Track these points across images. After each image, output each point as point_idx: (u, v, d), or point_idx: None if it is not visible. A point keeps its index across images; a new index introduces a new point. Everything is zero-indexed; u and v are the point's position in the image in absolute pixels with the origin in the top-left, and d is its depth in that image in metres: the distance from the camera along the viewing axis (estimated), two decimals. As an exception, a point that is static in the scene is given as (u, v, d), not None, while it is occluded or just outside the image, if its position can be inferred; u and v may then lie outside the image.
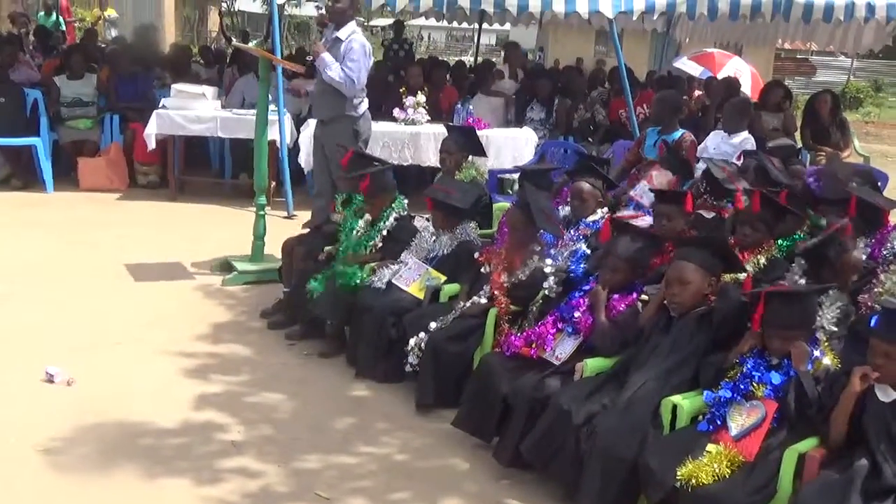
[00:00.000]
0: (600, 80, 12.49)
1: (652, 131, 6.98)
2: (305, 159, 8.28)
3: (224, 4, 22.76)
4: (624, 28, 13.98)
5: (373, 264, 5.29)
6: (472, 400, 4.30)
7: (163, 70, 11.09)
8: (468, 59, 19.15)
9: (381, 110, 8.96)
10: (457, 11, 11.75)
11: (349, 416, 4.59)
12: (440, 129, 7.57)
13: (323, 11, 8.90)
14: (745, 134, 7.22)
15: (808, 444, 3.35)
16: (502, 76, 10.53)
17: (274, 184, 8.63)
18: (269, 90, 7.00)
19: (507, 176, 8.70)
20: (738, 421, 3.47)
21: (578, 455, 3.68)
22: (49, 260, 6.84)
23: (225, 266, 6.71)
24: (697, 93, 11.53)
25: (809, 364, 3.46)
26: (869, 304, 3.92)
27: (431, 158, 8.36)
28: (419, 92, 9.12)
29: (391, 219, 5.47)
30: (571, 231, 5.12)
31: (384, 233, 5.45)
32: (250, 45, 12.40)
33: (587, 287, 4.35)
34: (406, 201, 5.60)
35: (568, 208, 5.51)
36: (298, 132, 8.81)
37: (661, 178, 5.77)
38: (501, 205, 6.13)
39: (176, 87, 9.17)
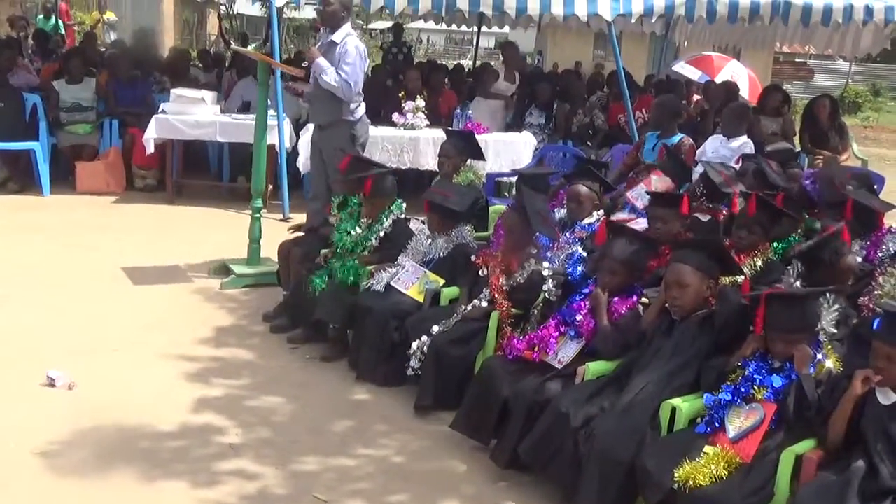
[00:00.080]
0: (599, 83, 12.51)
1: (651, 135, 7.00)
2: (304, 163, 8.29)
3: (223, 8, 22.76)
4: (622, 31, 14.04)
5: (370, 267, 5.30)
6: (472, 402, 4.30)
7: (162, 74, 11.12)
8: (467, 63, 19.18)
9: (380, 115, 8.98)
10: (455, 14, 11.79)
11: (348, 419, 4.59)
12: (439, 134, 7.59)
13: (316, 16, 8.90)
14: (743, 138, 7.25)
15: (805, 446, 3.36)
16: (497, 76, 10.53)
17: (271, 187, 8.64)
18: (269, 94, 7.00)
19: (504, 179, 8.72)
20: (737, 423, 3.48)
21: (576, 457, 3.68)
22: (46, 263, 6.84)
23: (222, 269, 6.71)
24: (696, 97, 11.55)
25: (812, 367, 3.47)
26: (869, 306, 3.94)
27: (430, 162, 8.37)
28: (418, 96, 9.14)
29: (388, 221, 5.49)
30: (567, 234, 5.14)
31: (381, 234, 5.47)
32: (249, 48, 12.43)
33: (587, 290, 4.36)
34: (404, 205, 5.61)
35: (564, 211, 5.53)
36: (298, 136, 8.83)
37: (660, 183, 5.78)
38: (497, 207, 6.15)
39: (175, 91, 9.19)
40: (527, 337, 4.32)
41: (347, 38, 6.40)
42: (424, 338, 4.72)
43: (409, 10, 9.17)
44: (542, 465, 3.85)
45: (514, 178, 7.49)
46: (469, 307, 4.80)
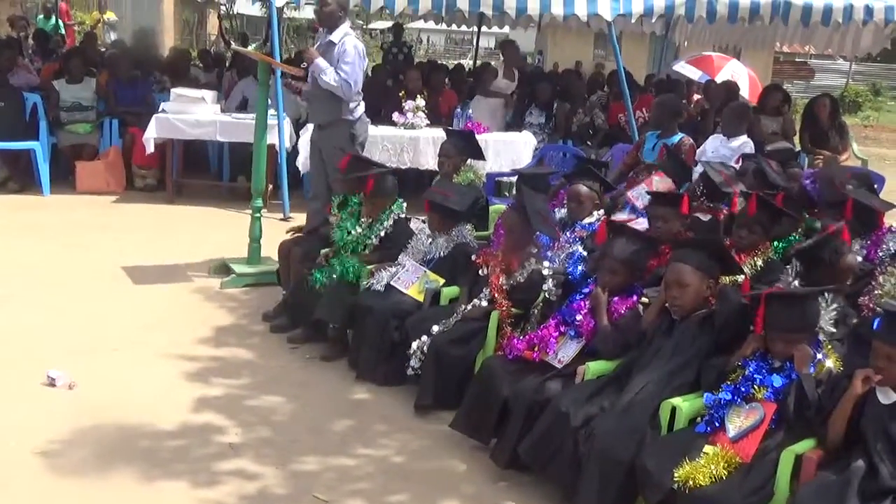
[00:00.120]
0: (599, 83, 12.51)
1: (651, 135, 6.99)
2: (304, 162, 8.29)
3: (223, 8, 22.76)
4: (622, 31, 14.03)
5: (370, 267, 5.30)
6: (472, 402, 4.30)
7: (162, 74, 11.12)
8: (467, 63, 19.18)
9: (380, 114, 8.98)
10: (455, 14, 11.79)
11: (348, 419, 4.59)
12: (439, 133, 7.59)
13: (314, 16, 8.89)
14: (743, 138, 7.24)
15: (805, 446, 3.36)
16: (496, 74, 10.53)
17: (271, 187, 8.65)
18: (269, 94, 7.00)
19: (505, 179, 8.72)
20: (737, 423, 3.48)
21: (576, 457, 3.68)
22: (47, 263, 6.84)
23: (222, 269, 6.72)
24: (696, 97, 11.55)
25: (812, 367, 3.47)
26: (870, 306, 3.94)
27: (430, 162, 8.37)
28: (418, 96, 9.14)
29: (389, 220, 5.49)
30: (567, 233, 5.14)
31: (381, 233, 5.47)
32: (249, 48, 12.43)
33: (587, 290, 4.35)
34: (405, 205, 5.61)
35: (564, 210, 5.53)
36: (298, 136, 8.83)
37: (662, 184, 5.78)
38: (497, 207, 6.15)
39: (175, 91, 9.19)
40: (527, 336, 4.32)
41: (345, 37, 6.39)
42: (424, 337, 4.71)
43: (410, 10, 9.17)
44: (542, 465, 3.85)
45: (514, 178, 7.49)
46: (469, 307, 4.80)
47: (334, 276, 5.30)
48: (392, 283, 5.13)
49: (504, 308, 4.60)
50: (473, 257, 4.98)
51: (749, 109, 8.40)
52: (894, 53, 14.37)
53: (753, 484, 3.28)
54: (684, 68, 13.00)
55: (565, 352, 4.17)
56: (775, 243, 4.60)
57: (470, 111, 9.83)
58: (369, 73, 11.04)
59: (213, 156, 10.27)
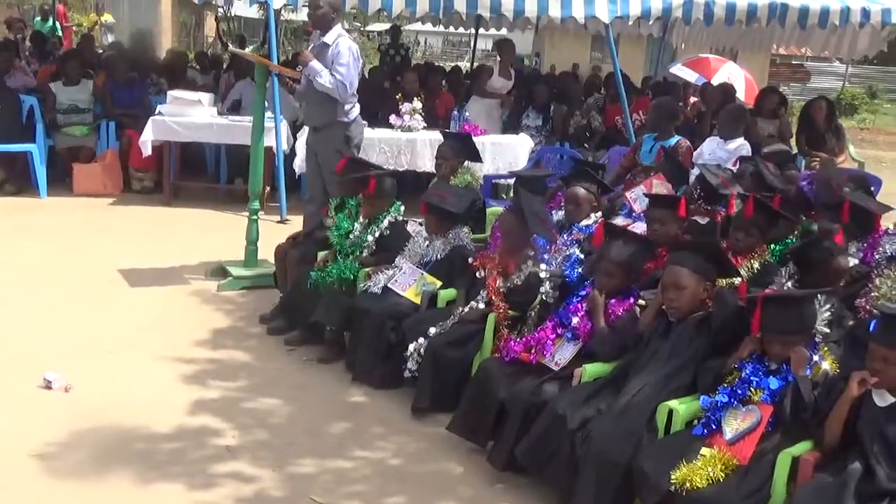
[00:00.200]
0: (596, 85, 12.52)
1: (648, 138, 7.00)
2: (300, 165, 8.30)
3: (221, 10, 22.73)
4: (620, 33, 14.03)
5: (367, 269, 5.29)
6: (469, 404, 4.30)
7: (159, 76, 11.11)
8: (464, 65, 19.19)
9: (377, 116, 8.98)
10: (453, 16, 11.79)
11: (345, 421, 4.59)
12: (436, 136, 7.60)
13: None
14: (740, 140, 7.25)
15: (802, 448, 3.36)
16: (491, 73, 10.53)
17: (268, 189, 8.64)
18: (266, 96, 7.00)
19: (502, 181, 8.73)
20: (733, 425, 3.48)
21: (573, 459, 3.68)
22: (43, 265, 6.83)
23: (219, 271, 6.71)
24: (693, 99, 11.57)
25: (808, 369, 3.47)
26: (867, 307, 3.94)
27: (427, 164, 8.38)
28: (415, 98, 9.14)
29: (385, 222, 5.49)
30: (565, 236, 5.14)
31: (377, 235, 5.47)
32: (247, 50, 12.43)
33: (584, 292, 4.36)
34: (402, 207, 5.61)
35: (561, 213, 5.54)
36: (295, 138, 8.83)
37: (660, 188, 5.79)
38: (495, 209, 6.16)
39: (172, 93, 9.19)
40: (524, 339, 4.32)
41: (339, 38, 6.38)
42: (421, 340, 4.71)
43: (407, 12, 9.18)
44: (539, 467, 3.85)
45: (511, 180, 7.49)
46: (466, 309, 4.80)
47: (333, 279, 5.30)
48: (389, 285, 5.13)
49: (501, 310, 4.60)
50: (470, 260, 4.98)
51: (746, 112, 8.41)
52: (891, 56, 14.43)
53: (750, 486, 3.28)
54: (681, 71, 13.02)
55: (562, 354, 4.17)
56: (772, 246, 4.61)
57: (466, 113, 9.83)
58: (366, 75, 11.05)
59: (210, 158, 10.27)
